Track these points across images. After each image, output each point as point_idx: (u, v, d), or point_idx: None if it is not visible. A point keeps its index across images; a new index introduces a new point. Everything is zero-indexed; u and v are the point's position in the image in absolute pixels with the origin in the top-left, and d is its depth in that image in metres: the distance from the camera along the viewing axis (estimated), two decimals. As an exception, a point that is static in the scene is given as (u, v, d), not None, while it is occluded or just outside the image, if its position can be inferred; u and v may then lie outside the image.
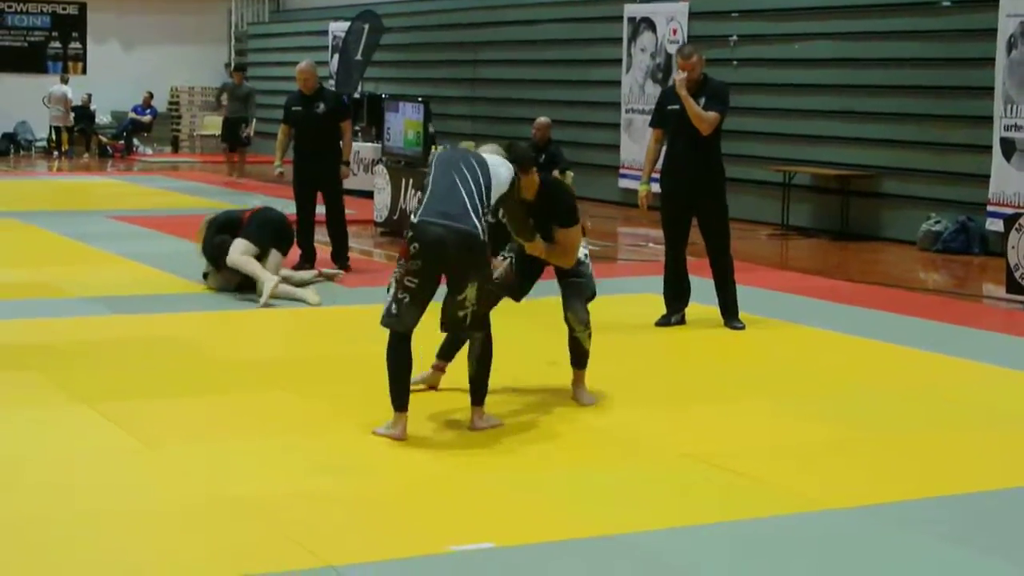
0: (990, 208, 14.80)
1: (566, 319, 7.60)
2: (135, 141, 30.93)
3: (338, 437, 6.85)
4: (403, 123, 16.36)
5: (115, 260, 12.98)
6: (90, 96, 30.42)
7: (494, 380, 7.10)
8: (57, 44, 32.47)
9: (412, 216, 6.85)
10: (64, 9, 32.46)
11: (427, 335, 7.25)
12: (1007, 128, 14.63)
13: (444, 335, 7.56)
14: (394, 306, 6.77)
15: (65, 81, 29.76)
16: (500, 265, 7.45)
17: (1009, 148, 14.62)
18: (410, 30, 25.98)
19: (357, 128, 21.59)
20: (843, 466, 6.50)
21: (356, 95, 22.52)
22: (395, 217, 15.50)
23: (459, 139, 19.53)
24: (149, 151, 31.00)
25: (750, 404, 7.70)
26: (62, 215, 16.99)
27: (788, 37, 17.90)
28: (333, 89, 13.12)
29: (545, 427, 7.13)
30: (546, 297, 10.38)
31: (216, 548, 5.23)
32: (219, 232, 10.99)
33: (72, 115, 29.49)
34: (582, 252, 7.60)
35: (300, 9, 32.58)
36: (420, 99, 17.03)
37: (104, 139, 30.45)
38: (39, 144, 30.78)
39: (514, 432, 7.01)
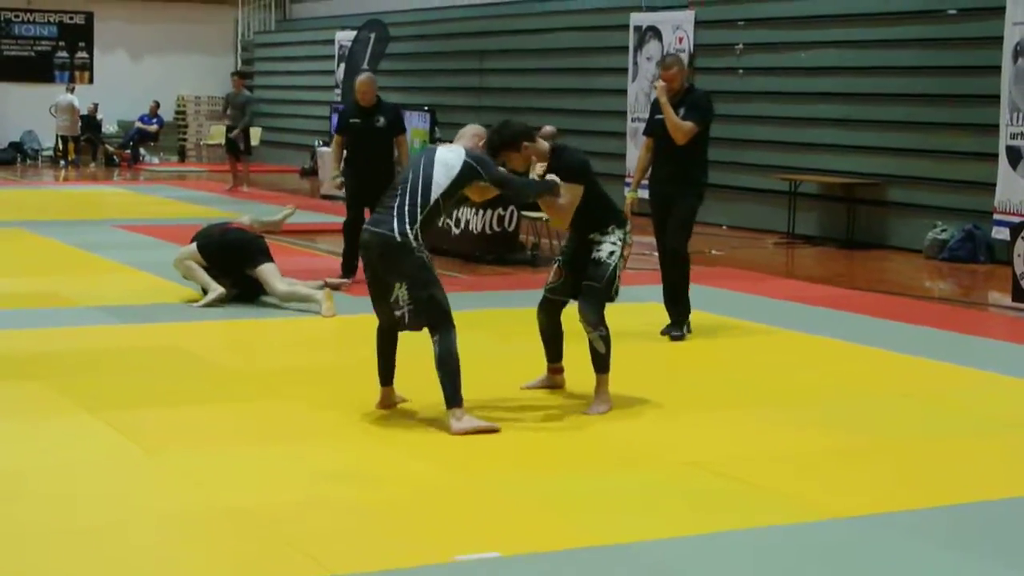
0: (996, 216, 14.79)
1: (580, 321, 7.66)
2: (142, 150, 30.97)
3: (342, 446, 6.85)
4: (409, 132, 16.36)
5: (121, 269, 13.00)
6: (96, 106, 30.48)
7: (499, 386, 7.09)
8: (64, 53, 32.54)
9: None
10: (71, 19, 32.53)
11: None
12: (1013, 136, 14.62)
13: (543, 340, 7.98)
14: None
15: (71, 90, 29.81)
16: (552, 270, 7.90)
17: (1015, 156, 14.61)
18: (416, 39, 26.01)
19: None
20: (849, 474, 6.49)
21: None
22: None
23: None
24: (155, 160, 31.02)
25: (756, 412, 7.69)
26: (68, 224, 17.01)
27: (794, 45, 17.91)
28: (390, 102, 12.78)
29: (550, 435, 7.13)
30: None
31: (220, 557, 5.23)
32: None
33: (79, 124, 29.52)
34: (607, 251, 7.59)
35: (307, 18, 32.62)
36: (426, 108, 17.10)
37: (111, 148, 30.50)
38: (46, 153, 30.83)
39: (518, 440, 7.01)
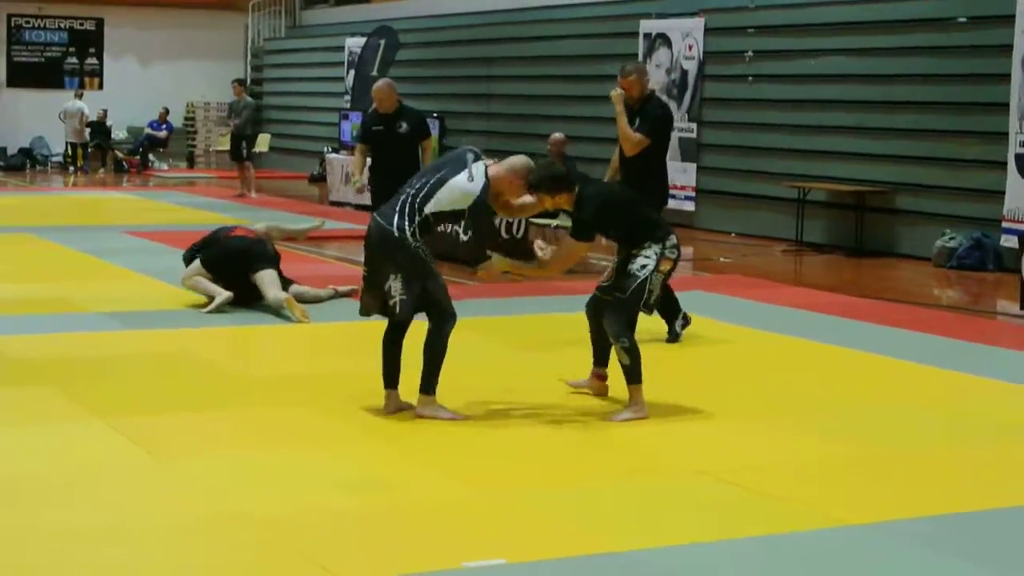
0: (1005, 224, 14.77)
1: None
2: (151, 156, 31.03)
3: (350, 453, 6.86)
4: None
5: (130, 275, 13.01)
6: (106, 112, 30.54)
7: (506, 394, 7.09)
8: (74, 60, 32.62)
9: None
10: (81, 25, 32.61)
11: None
12: (1022, 144, 14.60)
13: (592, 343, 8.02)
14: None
15: (80, 97, 29.85)
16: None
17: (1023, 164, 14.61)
18: (426, 46, 26.04)
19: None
20: (857, 483, 6.49)
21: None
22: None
23: (474, 155, 19.60)
24: (165, 166, 31.08)
25: (763, 421, 7.68)
26: (78, 230, 17.03)
27: (803, 53, 17.91)
28: (413, 107, 12.46)
29: (558, 443, 7.14)
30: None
31: (227, 563, 5.23)
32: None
33: (88, 130, 29.58)
34: (639, 264, 7.60)
35: (316, 25, 32.68)
36: (436, 114, 17.12)
37: (120, 154, 30.55)
38: (55, 159, 30.89)
39: (526, 447, 7.02)
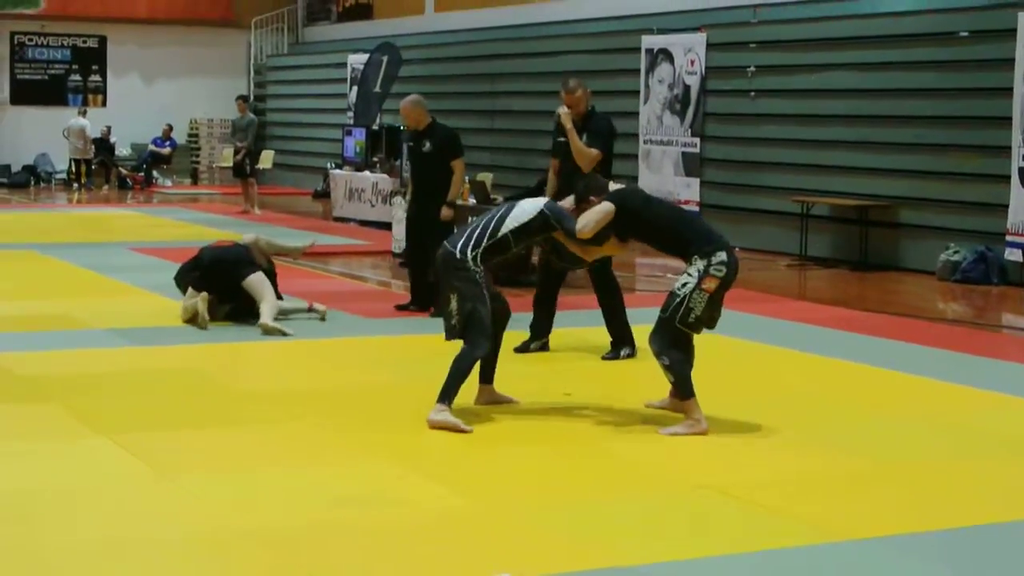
0: (1009, 238, 14.78)
1: None
2: (155, 173, 31.05)
3: (357, 469, 6.84)
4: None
5: (134, 291, 13.02)
6: (110, 128, 30.57)
7: (509, 408, 7.07)
8: (77, 77, 32.67)
9: None
10: (84, 42, 32.67)
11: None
12: (1025, 158, 14.62)
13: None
14: None
15: (83, 114, 29.90)
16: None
17: (1028, 178, 14.61)
18: (429, 62, 26.09)
19: (375, 159, 21.67)
20: (862, 497, 6.48)
21: (375, 127, 22.61)
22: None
23: (477, 171, 19.66)
24: (168, 183, 31.11)
25: (766, 435, 7.67)
26: (82, 247, 17.05)
27: (806, 68, 17.93)
28: (444, 125, 12.11)
29: (561, 458, 7.13)
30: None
31: (233, 579, 5.24)
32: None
33: (92, 147, 29.62)
34: (681, 282, 7.61)
35: (319, 41, 32.73)
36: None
37: (124, 171, 30.57)
38: (59, 176, 30.93)
39: (528, 462, 7.01)
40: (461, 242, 7.74)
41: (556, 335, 10.22)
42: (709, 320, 7.72)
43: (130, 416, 7.84)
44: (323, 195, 26.05)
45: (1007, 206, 14.82)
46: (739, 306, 12.60)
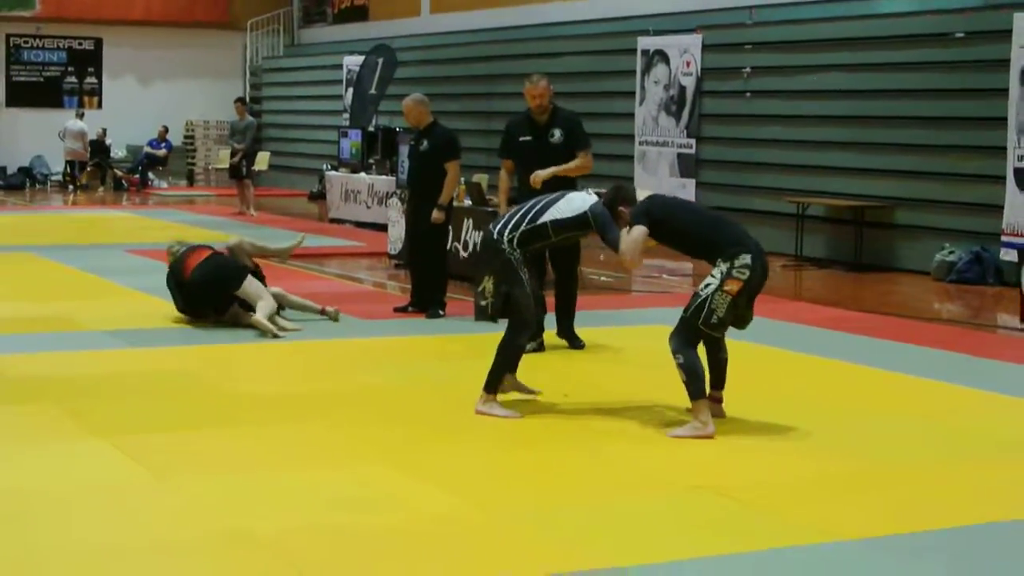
0: (1004, 238, 14.79)
1: None
2: (150, 175, 31.05)
3: (354, 472, 6.84)
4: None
5: (130, 294, 13.02)
6: (105, 131, 30.56)
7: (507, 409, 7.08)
8: (73, 79, 32.66)
9: None
10: (80, 44, 32.66)
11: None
12: (1020, 158, 14.63)
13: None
14: None
15: (80, 116, 29.88)
16: None
17: (1022, 178, 14.62)
18: (425, 64, 26.09)
19: (371, 161, 21.67)
20: (856, 497, 6.48)
21: (371, 129, 22.61)
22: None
23: (472, 172, 19.66)
24: (164, 185, 31.12)
25: (762, 435, 7.68)
26: (78, 249, 17.05)
27: (801, 69, 17.94)
28: (444, 126, 12.01)
29: (558, 459, 7.13)
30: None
31: (230, 581, 5.24)
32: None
33: (88, 150, 29.61)
34: (704, 283, 7.63)
35: (315, 43, 32.73)
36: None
37: (119, 173, 30.56)
38: (55, 178, 30.91)
39: (528, 464, 7.02)
40: (501, 224, 7.99)
41: (551, 335, 10.23)
42: (738, 321, 7.75)
43: (126, 418, 7.84)
44: (319, 197, 26.05)
45: (1002, 206, 14.83)
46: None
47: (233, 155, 23.33)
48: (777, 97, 18.28)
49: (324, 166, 25.41)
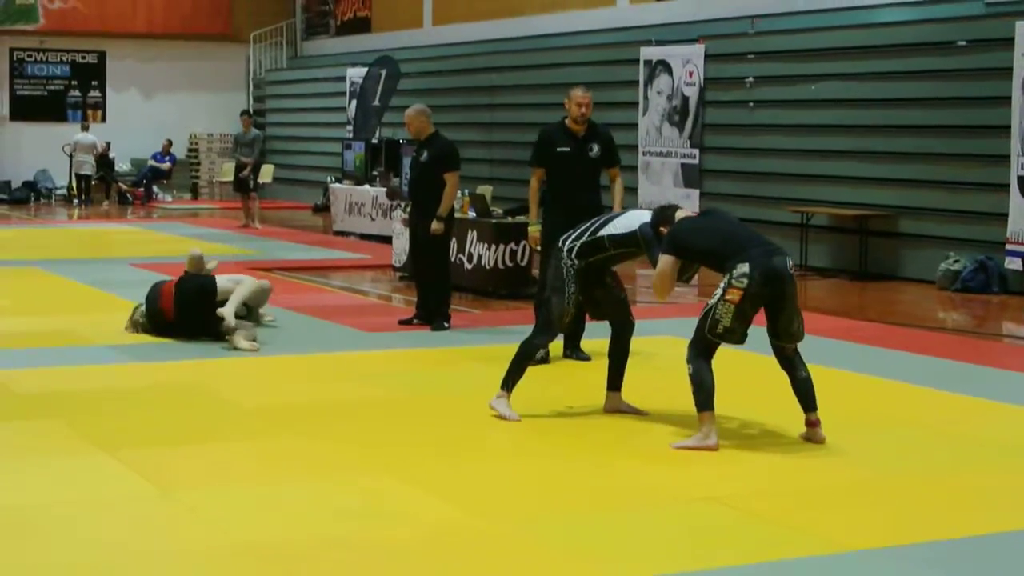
0: (1008, 247, 14.78)
1: None
2: (155, 188, 31.07)
3: (360, 483, 6.84)
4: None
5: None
6: (109, 144, 30.59)
7: (515, 424, 7.06)
8: (77, 93, 32.71)
9: None
10: (83, 58, 32.71)
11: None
12: (1024, 167, 14.63)
13: None
14: None
15: (86, 129, 29.90)
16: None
17: (1027, 187, 14.62)
18: (427, 75, 26.11)
19: (375, 173, 21.68)
20: (864, 507, 6.48)
21: (374, 140, 22.62)
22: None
23: (476, 183, 19.67)
24: (169, 198, 31.14)
25: (767, 445, 7.68)
26: (83, 263, 17.06)
27: (804, 78, 17.95)
28: (445, 137, 12.04)
29: (562, 471, 7.13)
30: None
31: (236, 595, 5.24)
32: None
33: (95, 163, 29.62)
34: (713, 294, 7.65)
35: (318, 55, 32.76)
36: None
37: (124, 186, 30.58)
38: (59, 192, 30.93)
39: (530, 475, 7.01)
40: (568, 232, 8.28)
41: (556, 347, 10.22)
42: (731, 332, 7.74)
43: (132, 432, 7.84)
44: (323, 209, 26.07)
45: (1007, 215, 14.83)
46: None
47: (241, 168, 23.29)
48: (780, 106, 18.29)
49: (328, 178, 25.42)
